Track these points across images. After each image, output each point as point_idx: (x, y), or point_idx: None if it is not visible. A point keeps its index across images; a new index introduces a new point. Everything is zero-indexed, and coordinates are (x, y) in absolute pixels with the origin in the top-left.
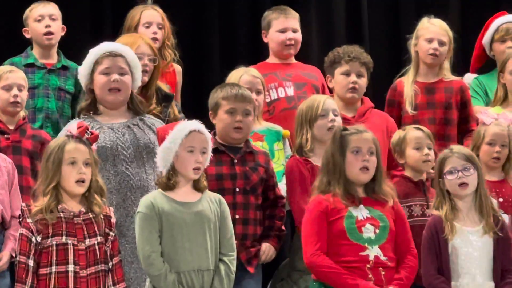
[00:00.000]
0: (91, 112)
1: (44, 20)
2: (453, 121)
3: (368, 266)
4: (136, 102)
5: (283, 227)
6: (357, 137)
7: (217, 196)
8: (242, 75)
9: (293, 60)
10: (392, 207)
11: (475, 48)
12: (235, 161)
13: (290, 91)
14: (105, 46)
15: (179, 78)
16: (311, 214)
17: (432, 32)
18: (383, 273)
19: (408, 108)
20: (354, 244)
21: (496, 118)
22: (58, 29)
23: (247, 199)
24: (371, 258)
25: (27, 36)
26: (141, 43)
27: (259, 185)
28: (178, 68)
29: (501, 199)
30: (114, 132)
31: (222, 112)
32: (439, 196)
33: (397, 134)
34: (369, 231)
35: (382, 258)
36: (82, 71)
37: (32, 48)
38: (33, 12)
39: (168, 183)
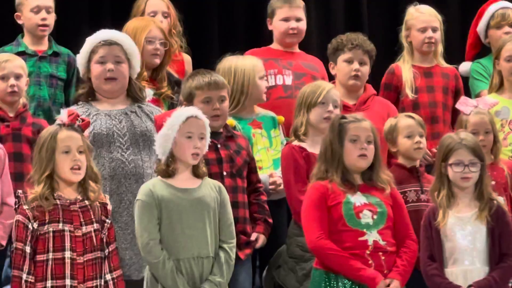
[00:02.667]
0: (89, 99)
1: (41, 13)
2: (449, 107)
3: (367, 252)
4: (135, 89)
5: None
6: (356, 126)
7: (217, 183)
8: (259, 61)
9: (296, 49)
10: (389, 193)
11: (469, 36)
12: (219, 145)
13: (289, 80)
14: (101, 35)
15: (188, 68)
16: (311, 199)
17: (423, 21)
18: (383, 258)
19: (409, 92)
20: (353, 230)
21: (475, 105)
22: (53, 21)
23: (235, 182)
24: (370, 243)
25: (20, 21)
26: (153, 27)
27: (244, 167)
28: (187, 58)
29: (493, 182)
30: (111, 119)
31: (198, 102)
32: (438, 180)
33: (389, 122)
34: (367, 217)
35: (381, 242)
36: (79, 60)
37: (22, 36)
38: (30, 1)
39: (167, 170)
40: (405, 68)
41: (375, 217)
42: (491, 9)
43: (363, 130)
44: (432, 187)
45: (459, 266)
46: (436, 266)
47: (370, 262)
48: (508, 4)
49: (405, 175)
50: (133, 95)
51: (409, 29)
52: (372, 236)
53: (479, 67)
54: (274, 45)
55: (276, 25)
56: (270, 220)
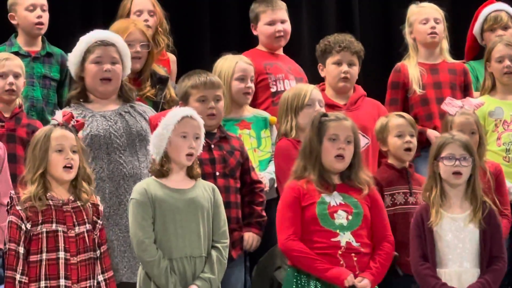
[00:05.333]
0: (81, 100)
1: (36, 10)
2: None
3: (339, 252)
4: (126, 90)
5: (263, 213)
6: (336, 124)
7: (211, 184)
8: (237, 62)
9: (280, 52)
10: (368, 194)
11: (467, 39)
12: (212, 146)
13: (293, 84)
14: (96, 34)
15: (174, 67)
16: (285, 199)
17: (425, 13)
18: (355, 259)
19: (416, 88)
20: (326, 230)
21: (461, 106)
22: (47, 19)
23: (227, 183)
24: (343, 244)
25: (14, 22)
26: (133, 30)
27: (237, 168)
28: (172, 57)
29: None
30: (106, 120)
31: (193, 101)
32: (430, 179)
33: (380, 121)
34: (341, 217)
35: (354, 244)
36: (72, 59)
37: (16, 36)
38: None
39: (161, 170)
40: (411, 65)
41: (350, 217)
42: (484, 12)
43: (343, 129)
44: (425, 186)
45: (451, 267)
46: (428, 266)
47: (341, 262)
48: (502, 6)
49: (395, 176)
50: (123, 95)
51: (411, 25)
52: (345, 237)
53: (477, 65)
54: (261, 47)
55: (262, 30)
56: (258, 220)
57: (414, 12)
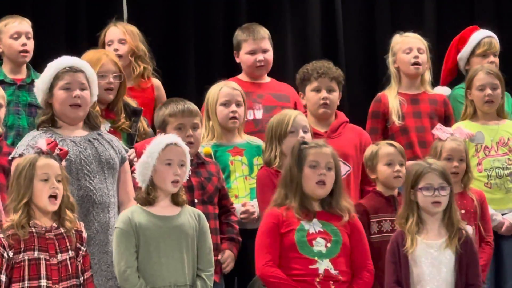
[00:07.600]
0: (49, 125)
1: (21, 38)
2: None
3: (317, 280)
4: (93, 117)
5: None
6: (315, 151)
7: (197, 210)
8: (221, 88)
9: (266, 79)
10: (348, 221)
11: (446, 62)
12: (190, 173)
13: (259, 114)
14: (65, 61)
15: (160, 93)
16: (264, 225)
17: (408, 43)
18: (333, 287)
19: (395, 119)
20: (304, 257)
21: (451, 133)
22: (32, 47)
23: (206, 209)
24: (321, 271)
25: None
26: (105, 61)
27: (215, 194)
28: (156, 82)
29: (463, 211)
30: (76, 146)
31: (171, 129)
32: (407, 207)
33: (370, 149)
34: (319, 245)
35: (333, 271)
36: (40, 85)
37: (1, 64)
38: (8, 27)
39: (148, 198)
40: (391, 96)
41: (329, 245)
42: (476, 36)
43: (323, 156)
44: (400, 214)
45: None
46: None
47: None
48: (491, 33)
49: (382, 204)
50: (90, 122)
51: (395, 54)
52: (323, 265)
53: (463, 91)
54: (243, 76)
55: (243, 59)
56: (239, 238)
57: (398, 41)
